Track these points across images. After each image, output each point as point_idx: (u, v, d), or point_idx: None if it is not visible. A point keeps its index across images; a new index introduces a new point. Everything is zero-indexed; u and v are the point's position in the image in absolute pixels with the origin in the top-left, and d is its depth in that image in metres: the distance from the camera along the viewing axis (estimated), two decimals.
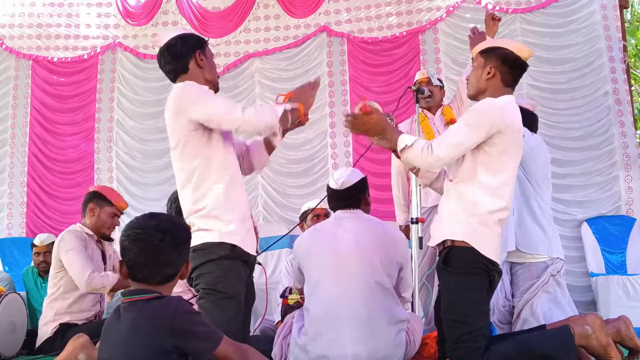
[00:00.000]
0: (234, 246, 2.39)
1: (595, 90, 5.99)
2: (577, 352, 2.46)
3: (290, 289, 3.50)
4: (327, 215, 3.83)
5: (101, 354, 1.78)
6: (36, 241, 4.87)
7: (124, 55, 6.99)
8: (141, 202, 6.55)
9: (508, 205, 2.50)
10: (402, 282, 2.80)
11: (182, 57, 2.53)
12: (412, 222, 3.26)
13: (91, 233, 3.85)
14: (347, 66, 6.63)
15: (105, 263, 3.89)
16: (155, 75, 6.56)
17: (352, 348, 2.54)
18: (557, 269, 3.18)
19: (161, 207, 4.86)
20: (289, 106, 2.47)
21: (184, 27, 6.54)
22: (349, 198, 2.83)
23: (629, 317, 2.66)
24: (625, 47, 6.14)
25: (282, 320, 3.31)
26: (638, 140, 6.36)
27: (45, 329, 3.70)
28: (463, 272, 2.43)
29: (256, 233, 2.57)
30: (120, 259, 1.78)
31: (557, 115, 6.00)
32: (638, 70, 11.59)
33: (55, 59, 6.96)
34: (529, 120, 3.26)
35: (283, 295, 3.59)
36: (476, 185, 2.46)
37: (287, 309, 3.40)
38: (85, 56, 6.98)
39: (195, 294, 2.47)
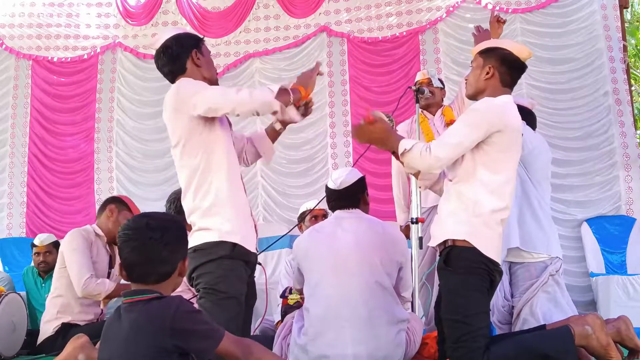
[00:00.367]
0: (234, 245, 2.39)
1: (595, 90, 5.99)
2: (577, 352, 2.46)
3: (290, 289, 3.50)
4: (325, 216, 3.83)
5: (101, 355, 1.78)
6: (36, 241, 4.86)
7: (124, 55, 6.99)
8: (141, 202, 6.47)
9: (509, 205, 2.49)
10: (401, 282, 2.80)
11: (178, 59, 2.52)
12: (412, 222, 3.26)
13: (102, 234, 3.84)
14: (347, 66, 6.63)
15: (112, 267, 3.87)
16: (155, 75, 6.40)
17: (352, 348, 2.55)
18: (556, 269, 3.17)
19: (161, 207, 4.83)
20: (287, 83, 2.49)
21: (184, 27, 6.53)
22: (348, 198, 2.83)
23: (629, 317, 2.66)
24: (625, 47, 6.13)
25: (282, 320, 3.31)
26: (638, 140, 6.36)
27: (47, 327, 3.69)
28: (464, 272, 2.43)
29: (256, 232, 2.57)
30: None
31: (557, 115, 5.99)
32: (638, 70, 11.58)
33: (55, 59, 6.96)
34: (528, 118, 3.26)
35: (283, 295, 3.59)
36: (476, 184, 2.46)
37: (287, 309, 3.40)
38: (85, 56, 6.98)
39: (196, 293, 2.47)
